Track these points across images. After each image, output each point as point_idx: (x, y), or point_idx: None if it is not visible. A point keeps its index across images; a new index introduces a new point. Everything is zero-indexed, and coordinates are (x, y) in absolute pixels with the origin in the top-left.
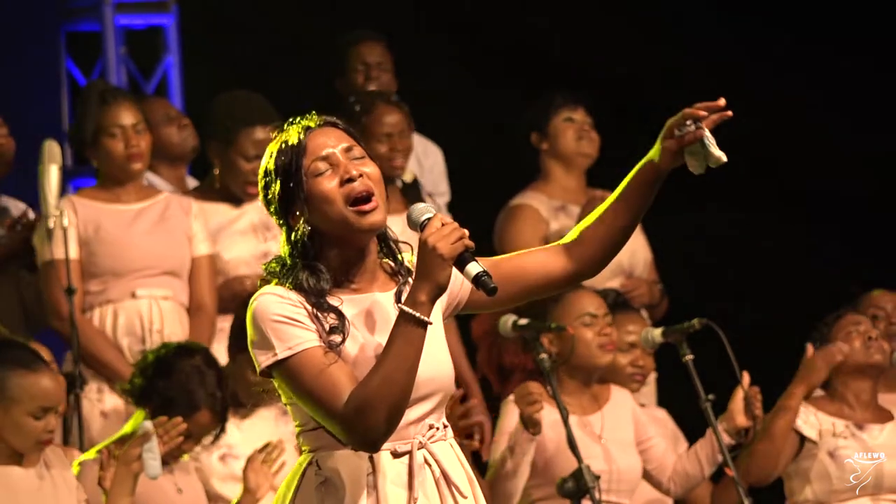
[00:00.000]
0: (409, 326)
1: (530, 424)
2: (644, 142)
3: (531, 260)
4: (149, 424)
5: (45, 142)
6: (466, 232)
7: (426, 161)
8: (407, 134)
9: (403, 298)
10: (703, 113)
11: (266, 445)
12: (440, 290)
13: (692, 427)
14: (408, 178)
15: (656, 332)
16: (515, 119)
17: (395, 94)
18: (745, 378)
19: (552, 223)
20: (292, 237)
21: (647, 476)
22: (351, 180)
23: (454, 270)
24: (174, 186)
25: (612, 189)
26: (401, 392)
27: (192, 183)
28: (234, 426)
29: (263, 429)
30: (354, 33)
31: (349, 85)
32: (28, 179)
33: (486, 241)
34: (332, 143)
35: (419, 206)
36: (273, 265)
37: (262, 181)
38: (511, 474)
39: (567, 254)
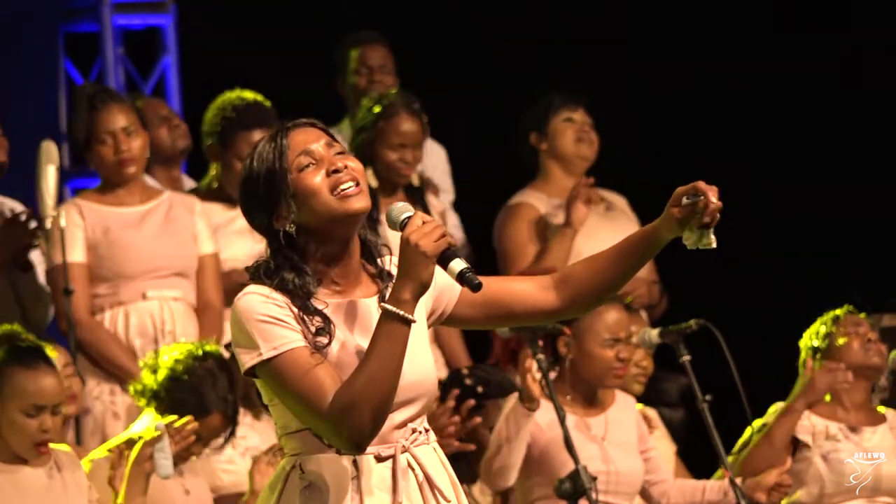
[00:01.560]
0: (393, 324)
1: (526, 399)
2: None
3: (519, 287)
4: (161, 424)
5: (43, 142)
6: (445, 228)
7: (428, 160)
8: (421, 145)
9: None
10: (713, 200)
11: (272, 447)
12: (423, 287)
13: (689, 428)
14: (415, 181)
15: (654, 333)
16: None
17: (415, 99)
18: (788, 463)
19: (551, 221)
20: (278, 238)
21: None
22: (337, 171)
23: (444, 284)
24: (167, 188)
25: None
26: (386, 391)
27: (188, 183)
28: (248, 427)
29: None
30: (356, 35)
31: (351, 87)
32: (26, 180)
33: (486, 242)
34: (314, 138)
35: (398, 205)
36: (256, 269)
37: (243, 189)
38: (507, 454)
39: (555, 291)
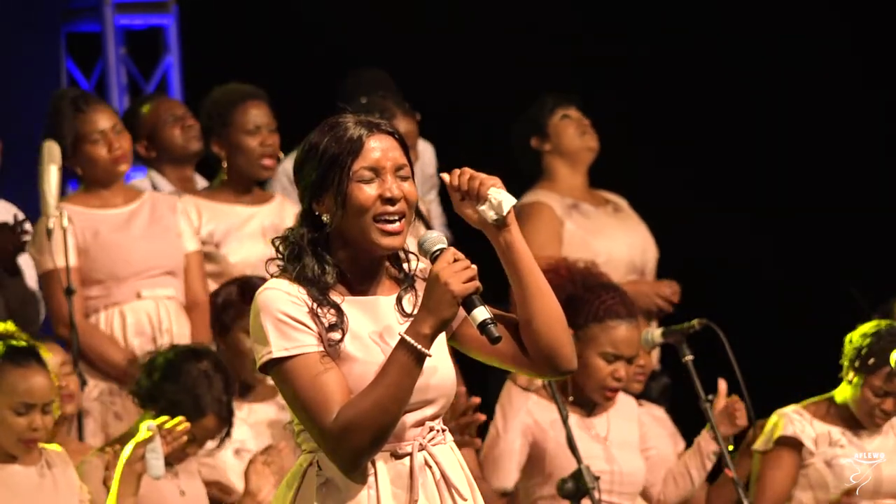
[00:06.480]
0: (409, 357)
1: None
2: None
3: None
4: (153, 425)
5: (45, 142)
6: (476, 269)
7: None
8: (415, 145)
9: (404, 304)
10: (453, 179)
11: (268, 447)
12: (444, 325)
13: (692, 428)
14: None
15: (656, 333)
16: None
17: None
18: (722, 385)
19: (566, 222)
20: (312, 218)
21: None
22: (391, 202)
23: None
24: (178, 187)
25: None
26: (390, 419)
27: (201, 183)
28: (241, 422)
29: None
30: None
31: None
32: (27, 180)
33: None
34: (387, 156)
35: (432, 234)
36: (281, 243)
37: (305, 151)
38: (503, 451)
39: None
